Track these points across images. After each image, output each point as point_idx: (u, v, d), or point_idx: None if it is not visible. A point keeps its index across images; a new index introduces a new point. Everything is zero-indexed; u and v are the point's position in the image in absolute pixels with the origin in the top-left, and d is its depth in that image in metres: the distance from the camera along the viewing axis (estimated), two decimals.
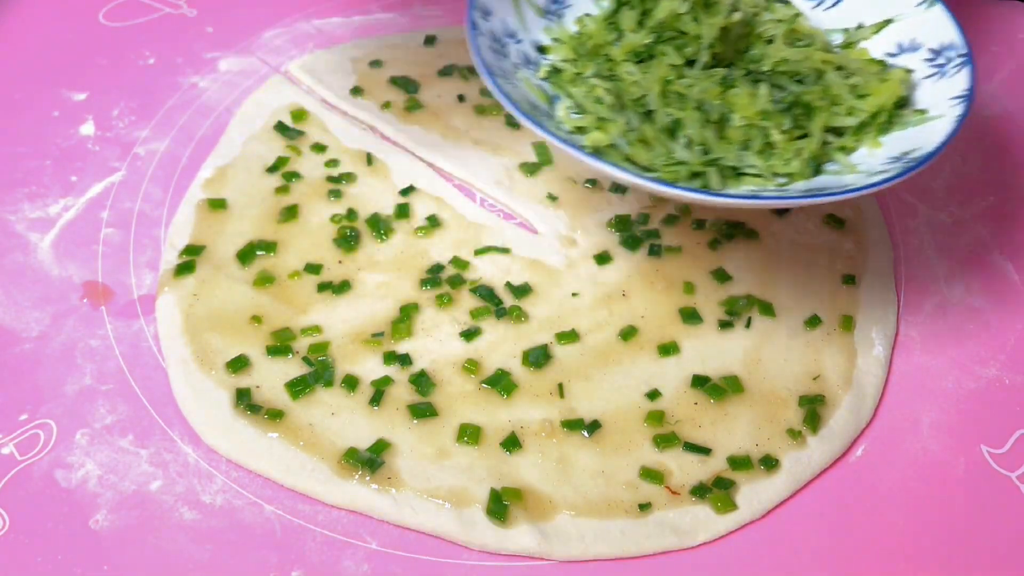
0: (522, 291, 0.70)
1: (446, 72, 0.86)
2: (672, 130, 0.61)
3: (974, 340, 0.70)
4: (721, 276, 0.71)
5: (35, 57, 0.86)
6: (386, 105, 0.83)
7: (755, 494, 0.60)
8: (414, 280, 0.70)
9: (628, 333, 0.67)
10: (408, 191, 0.76)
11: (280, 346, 0.65)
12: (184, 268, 0.69)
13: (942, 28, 0.65)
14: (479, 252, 0.72)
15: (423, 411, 0.62)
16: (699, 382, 0.65)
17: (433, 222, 0.74)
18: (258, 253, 0.71)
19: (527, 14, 0.67)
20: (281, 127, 0.80)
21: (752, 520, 0.60)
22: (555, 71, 0.66)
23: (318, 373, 0.64)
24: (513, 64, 0.64)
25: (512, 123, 0.82)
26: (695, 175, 0.59)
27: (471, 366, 0.65)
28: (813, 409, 0.64)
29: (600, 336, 0.67)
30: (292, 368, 0.64)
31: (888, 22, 0.67)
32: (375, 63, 0.87)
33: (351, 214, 0.73)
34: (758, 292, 0.70)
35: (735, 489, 0.60)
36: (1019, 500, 0.62)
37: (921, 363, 0.69)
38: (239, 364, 0.64)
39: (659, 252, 0.72)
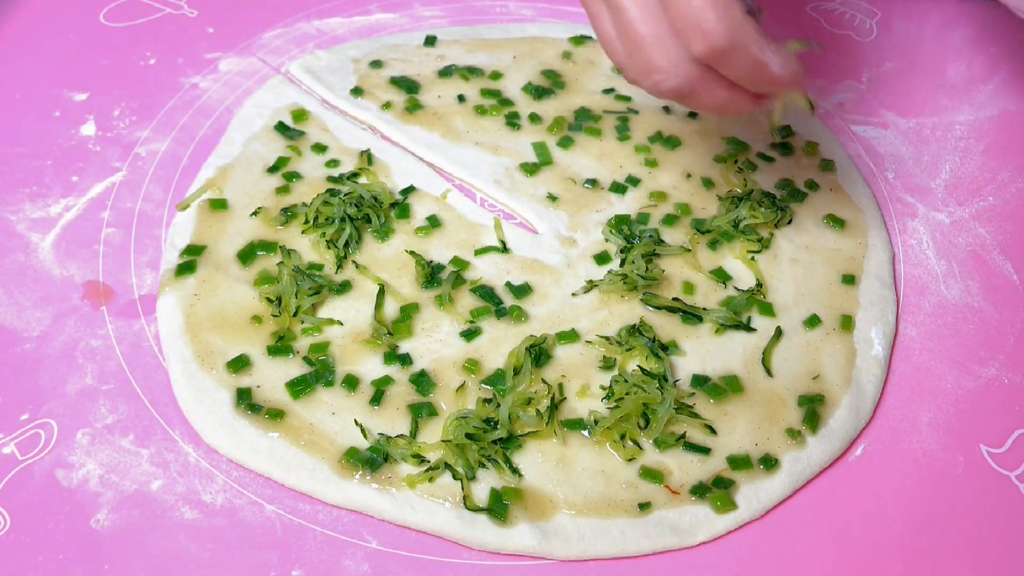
0: (522, 291, 0.70)
1: (446, 73, 0.86)
2: None
3: (973, 340, 0.70)
4: (721, 276, 0.71)
5: (36, 57, 0.86)
6: (386, 105, 0.83)
7: (755, 493, 0.60)
8: (414, 280, 0.70)
9: (629, 332, 0.67)
10: (408, 191, 0.76)
11: (280, 346, 0.65)
12: (185, 268, 0.69)
13: None
14: (479, 252, 0.72)
15: (423, 411, 0.62)
16: (699, 382, 0.65)
17: (433, 222, 0.74)
18: (258, 253, 0.71)
19: None
20: (282, 127, 0.80)
21: (752, 519, 0.60)
22: None
23: (319, 373, 0.64)
24: None
25: (512, 123, 0.82)
26: None
27: (471, 366, 0.65)
28: (812, 409, 0.64)
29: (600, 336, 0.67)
30: (293, 368, 0.64)
31: None
32: (375, 63, 0.87)
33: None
34: (758, 292, 0.70)
35: (735, 488, 0.60)
36: (1018, 499, 0.62)
37: (920, 363, 0.69)
38: (240, 364, 0.64)
39: (659, 252, 0.72)
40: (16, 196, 0.75)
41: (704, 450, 0.62)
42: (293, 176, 0.76)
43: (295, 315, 0.66)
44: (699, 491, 0.60)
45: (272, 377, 0.64)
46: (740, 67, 0.56)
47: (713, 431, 0.62)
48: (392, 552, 0.57)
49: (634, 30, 0.57)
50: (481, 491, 0.59)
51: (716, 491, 0.60)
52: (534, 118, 0.82)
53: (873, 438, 0.65)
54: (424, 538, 0.58)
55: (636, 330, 0.67)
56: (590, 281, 0.70)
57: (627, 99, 0.85)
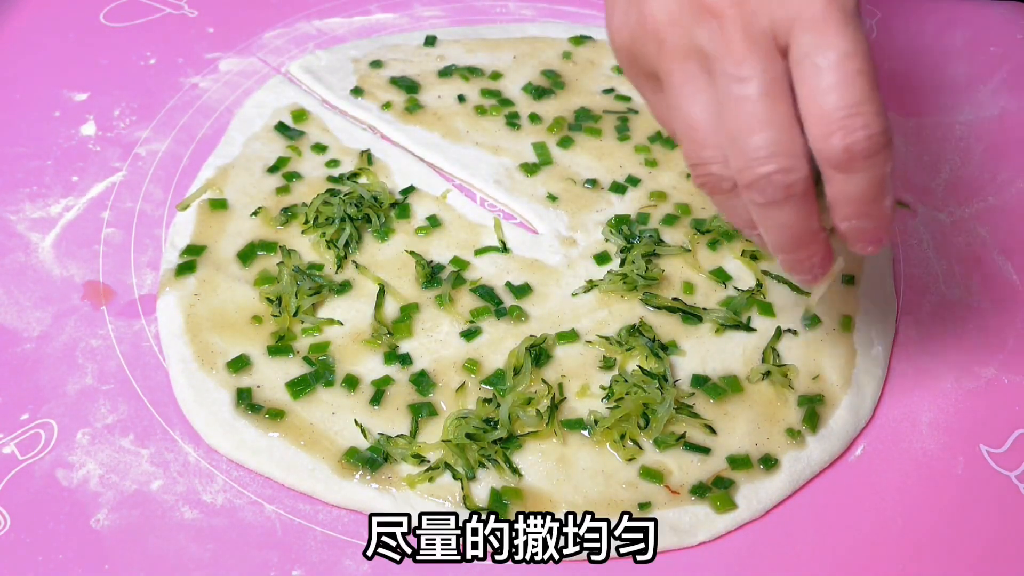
0: (522, 291, 0.70)
1: (446, 73, 0.86)
2: None
3: (973, 339, 0.70)
4: (721, 276, 0.71)
5: (36, 57, 0.86)
6: (386, 106, 0.83)
7: (755, 493, 0.60)
8: (414, 280, 0.70)
9: (629, 332, 0.67)
10: (408, 191, 0.76)
11: (281, 346, 0.65)
12: (185, 268, 0.69)
13: None
14: (479, 252, 0.72)
15: (423, 411, 0.62)
16: (699, 382, 0.65)
17: (433, 222, 0.74)
18: (259, 253, 0.71)
19: None
20: (282, 127, 0.80)
21: (752, 519, 0.60)
22: None
23: (319, 373, 0.64)
24: None
25: (512, 123, 0.82)
26: None
27: (471, 366, 0.65)
28: (812, 409, 0.64)
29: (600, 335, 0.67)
30: (293, 368, 0.64)
31: None
32: (375, 63, 0.87)
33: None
34: (758, 292, 0.70)
35: (735, 488, 0.60)
36: (1018, 499, 0.62)
37: (920, 363, 0.69)
38: (240, 364, 0.64)
39: (659, 252, 0.72)
40: (16, 196, 0.75)
41: (704, 450, 0.62)
42: (293, 176, 0.76)
43: (295, 315, 0.66)
44: (699, 491, 0.60)
45: (272, 377, 0.64)
46: (867, 180, 0.48)
47: (713, 431, 0.62)
48: None
49: (755, 110, 0.47)
50: (481, 491, 0.59)
51: (716, 491, 0.60)
52: (534, 118, 0.82)
53: (873, 438, 0.65)
54: None
55: (636, 330, 0.67)
56: (590, 281, 0.70)
57: (627, 99, 0.85)
